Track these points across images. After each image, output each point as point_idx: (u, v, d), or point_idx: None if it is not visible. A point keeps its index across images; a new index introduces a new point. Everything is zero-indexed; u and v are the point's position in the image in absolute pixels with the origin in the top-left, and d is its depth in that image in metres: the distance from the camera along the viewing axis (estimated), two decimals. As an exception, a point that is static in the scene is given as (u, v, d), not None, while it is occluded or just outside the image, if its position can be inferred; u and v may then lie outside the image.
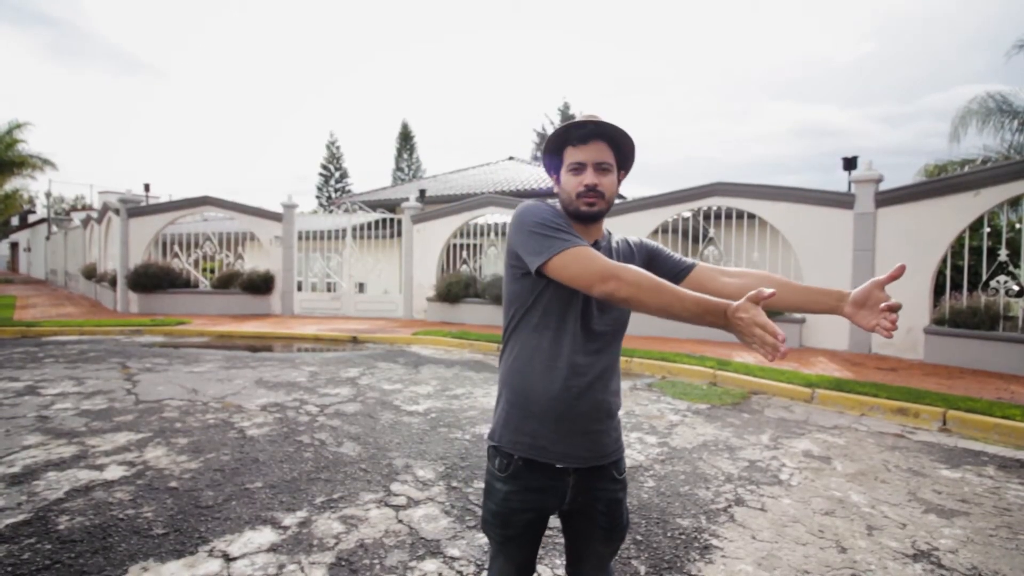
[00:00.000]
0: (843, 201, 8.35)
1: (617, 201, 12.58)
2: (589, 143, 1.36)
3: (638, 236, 1.59)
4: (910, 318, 7.69)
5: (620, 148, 1.41)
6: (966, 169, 8.10)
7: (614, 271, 1.20)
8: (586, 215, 1.38)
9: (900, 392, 5.45)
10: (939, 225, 7.53)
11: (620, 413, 1.49)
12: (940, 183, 7.72)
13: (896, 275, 1.19)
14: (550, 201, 1.46)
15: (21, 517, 2.82)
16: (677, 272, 1.48)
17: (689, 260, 1.51)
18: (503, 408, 1.45)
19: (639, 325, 9.56)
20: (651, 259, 1.49)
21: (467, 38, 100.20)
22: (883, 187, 8.13)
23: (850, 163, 9.37)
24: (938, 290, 7.83)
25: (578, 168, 1.37)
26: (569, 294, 1.36)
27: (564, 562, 1.94)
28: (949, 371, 6.82)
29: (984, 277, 7.35)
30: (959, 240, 7.47)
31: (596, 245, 1.44)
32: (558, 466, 1.40)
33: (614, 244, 1.49)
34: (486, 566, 2.40)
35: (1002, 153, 12.47)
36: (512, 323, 1.45)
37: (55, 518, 2.82)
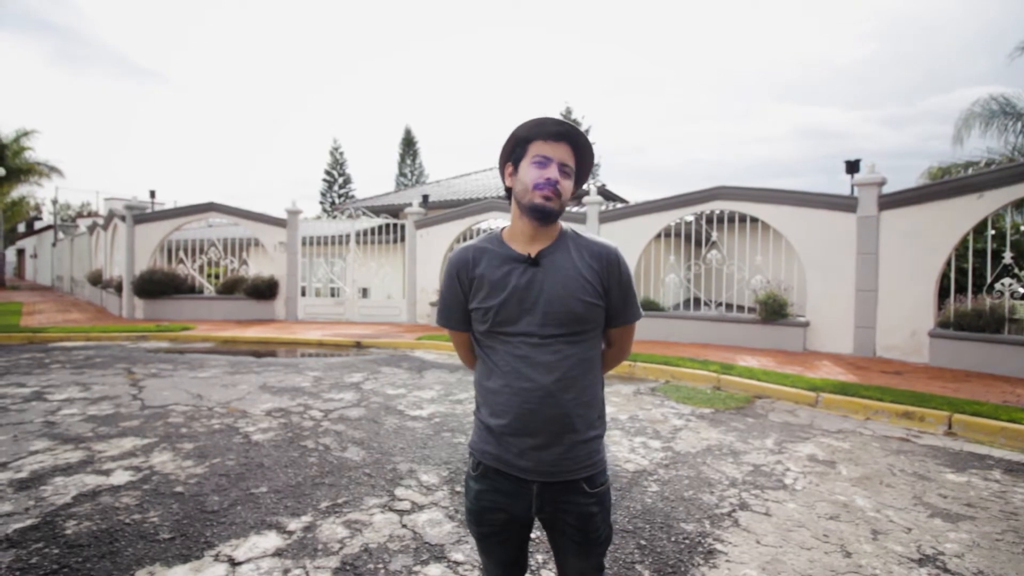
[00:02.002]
0: (846, 204, 8.34)
1: (619, 206, 12.65)
2: (559, 142, 1.36)
3: (626, 253, 1.48)
4: (915, 321, 7.67)
5: (581, 158, 1.40)
6: (970, 171, 8.05)
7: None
8: (540, 208, 1.34)
9: (905, 396, 5.43)
10: (943, 228, 7.51)
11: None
12: (943, 186, 7.70)
13: None
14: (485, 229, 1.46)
15: (29, 522, 2.84)
16: (608, 319, 1.44)
17: (623, 318, 1.46)
18: (475, 418, 1.49)
19: (641, 330, 9.55)
20: (607, 292, 1.41)
21: (468, 39, 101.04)
22: (886, 190, 8.12)
23: (853, 166, 9.38)
24: (943, 293, 7.80)
25: (543, 162, 1.35)
26: (499, 306, 1.36)
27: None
28: (954, 374, 6.79)
29: (989, 280, 7.33)
30: (963, 243, 7.45)
31: (542, 255, 1.37)
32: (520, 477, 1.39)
33: (570, 264, 1.38)
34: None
35: (1006, 155, 12.46)
36: (475, 336, 1.47)
37: (62, 523, 2.84)
